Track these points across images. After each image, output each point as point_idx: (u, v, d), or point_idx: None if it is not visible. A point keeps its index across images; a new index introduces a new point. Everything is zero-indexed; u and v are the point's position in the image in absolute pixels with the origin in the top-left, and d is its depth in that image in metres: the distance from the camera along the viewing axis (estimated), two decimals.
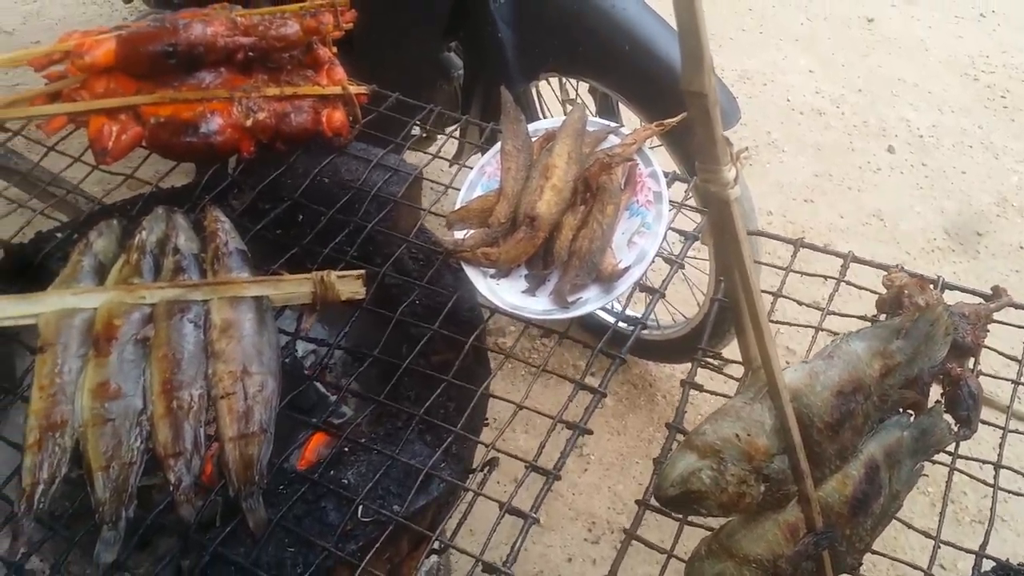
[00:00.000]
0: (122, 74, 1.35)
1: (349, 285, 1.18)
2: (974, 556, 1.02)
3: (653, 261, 1.17)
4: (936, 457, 1.08)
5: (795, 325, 1.31)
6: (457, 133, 1.71)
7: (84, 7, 3.71)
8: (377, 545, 0.98)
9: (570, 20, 1.89)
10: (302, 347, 1.33)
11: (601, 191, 1.21)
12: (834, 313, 1.25)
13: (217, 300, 1.12)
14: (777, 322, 1.27)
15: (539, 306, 1.16)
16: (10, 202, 1.43)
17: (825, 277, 1.33)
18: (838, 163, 3.13)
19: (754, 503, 0.90)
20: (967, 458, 1.14)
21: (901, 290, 1.12)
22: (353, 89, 1.44)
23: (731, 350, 1.20)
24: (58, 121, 1.34)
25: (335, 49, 1.51)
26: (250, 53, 1.39)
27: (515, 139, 1.31)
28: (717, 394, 1.22)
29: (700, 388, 1.18)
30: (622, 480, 2.23)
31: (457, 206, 1.27)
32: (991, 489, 1.10)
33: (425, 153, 1.62)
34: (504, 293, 1.18)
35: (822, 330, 1.23)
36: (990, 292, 1.21)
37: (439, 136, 1.69)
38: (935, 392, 1.08)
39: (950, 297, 1.19)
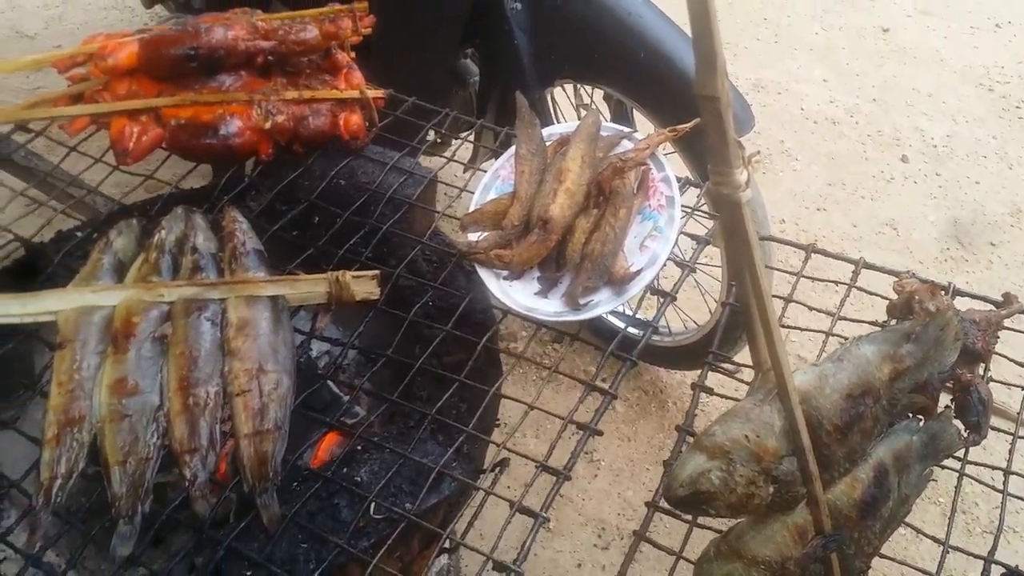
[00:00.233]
0: (144, 76, 1.38)
1: (364, 285, 1.19)
2: (983, 562, 1.03)
3: (665, 265, 1.18)
4: (946, 463, 1.08)
5: (806, 330, 1.31)
6: (472, 137, 1.73)
7: (105, 12, 3.75)
8: (389, 542, 0.99)
9: (586, 27, 1.90)
10: (316, 347, 1.35)
11: (614, 195, 1.22)
12: (845, 319, 1.25)
13: (234, 299, 1.14)
14: (788, 327, 1.28)
15: (551, 308, 1.17)
16: (31, 201, 1.45)
17: (836, 283, 1.33)
18: (851, 172, 3.13)
19: (763, 504, 0.91)
20: (977, 464, 1.14)
21: (912, 295, 1.12)
22: (370, 93, 1.46)
23: (743, 356, 1.21)
24: (81, 122, 1.36)
25: (353, 54, 1.52)
26: (270, 57, 1.41)
27: (529, 143, 1.32)
28: (728, 397, 1.23)
29: (710, 392, 1.19)
30: (632, 486, 2.23)
31: (471, 209, 1.29)
32: (1002, 500, 1.10)
33: (440, 157, 1.63)
34: (517, 295, 1.19)
35: (833, 335, 1.23)
36: (1001, 299, 1.21)
37: (454, 140, 1.71)
38: (945, 399, 1.09)
39: (961, 304, 1.19)
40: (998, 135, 3.30)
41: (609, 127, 1.36)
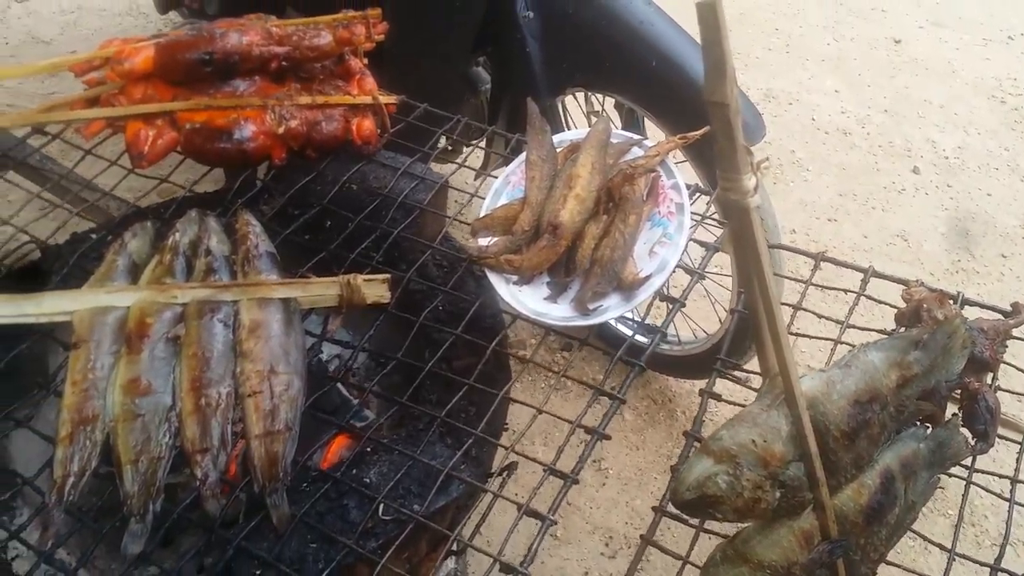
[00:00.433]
0: (159, 81, 1.39)
1: (374, 289, 1.20)
2: (989, 570, 1.03)
3: (674, 272, 1.19)
4: (953, 471, 1.08)
5: (815, 338, 1.32)
6: (483, 144, 1.74)
7: (120, 19, 3.78)
8: (397, 543, 1.00)
9: (598, 36, 1.91)
10: (327, 350, 1.36)
11: (624, 201, 1.23)
12: (853, 327, 1.25)
13: (246, 301, 1.15)
14: (796, 334, 1.28)
15: (560, 313, 1.18)
16: (46, 204, 1.47)
17: (845, 291, 1.33)
18: (863, 183, 3.13)
19: (769, 509, 0.91)
20: (984, 472, 1.14)
21: (920, 304, 1.12)
22: (383, 99, 1.47)
23: (751, 365, 1.21)
24: (97, 125, 1.38)
25: (366, 60, 1.54)
26: (284, 62, 1.43)
27: (540, 149, 1.33)
28: (736, 404, 1.23)
29: (718, 398, 1.19)
30: (640, 495, 2.23)
31: (482, 214, 1.29)
32: (1009, 509, 1.10)
33: (451, 163, 1.65)
34: (526, 299, 1.20)
35: (841, 343, 1.23)
36: (1010, 309, 1.21)
37: (465, 147, 1.72)
38: (952, 408, 1.09)
39: (970, 313, 1.19)
40: (1010, 147, 3.30)
41: (619, 134, 1.36)
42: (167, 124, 1.36)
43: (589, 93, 2.17)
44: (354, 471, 1.09)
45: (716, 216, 1.37)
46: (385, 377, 1.17)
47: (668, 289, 1.23)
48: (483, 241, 1.26)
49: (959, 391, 1.08)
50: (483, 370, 1.15)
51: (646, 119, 2.03)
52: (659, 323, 1.24)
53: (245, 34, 1.40)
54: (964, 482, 1.12)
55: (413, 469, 1.08)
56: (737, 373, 1.25)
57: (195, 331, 1.11)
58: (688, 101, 1.81)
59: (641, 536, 1.03)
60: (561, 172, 1.30)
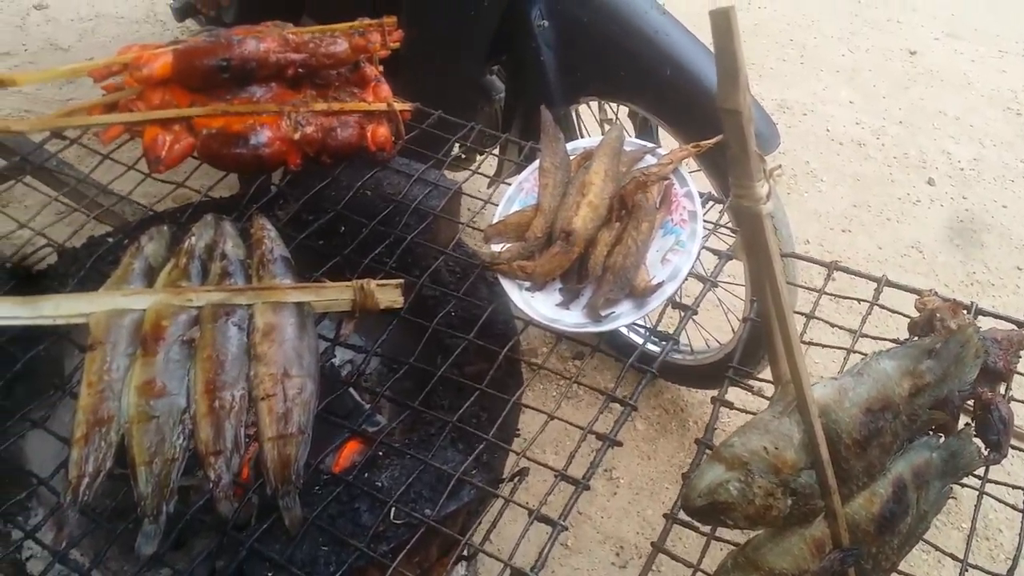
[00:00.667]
0: (177, 86, 1.40)
1: (388, 294, 1.20)
2: None
3: (686, 279, 1.19)
4: (965, 481, 1.08)
5: (827, 347, 1.31)
6: (496, 151, 1.74)
7: (137, 26, 3.81)
8: (408, 547, 1.00)
9: (612, 45, 1.91)
10: (340, 354, 1.36)
11: (636, 209, 1.23)
12: (867, 336, 1.25)
13: (261, 305, 1.16)
14: (809, 343, 1.28)
15: (572, 319, 1.18)
16: (63, 208, 1.48)
17: (858, 300, 1.33)
18: (877, 194, 3.12)
19: (781, 516, 0.91)
20: (996, 482, 1.13)
21: (933, 313, 1.12)
22: (397, 106, 1.48)
23: (764, 375, 1.21)
24: (115, 130, 1.39)
25: (381, 67, 1.55)
26: (300, 69, 1.44)
27: (553, 156, 1.34)
28: (748, 412, 1.23)
29: (730, 406, 1.19)
30: (651, 505, 2.22)
31: (495, 220, 1.30)
32: (1022, 520, 1.09)
33: (465, 170, 1.65)
34: (538, 306, 1.20)
35: (854, 352, 1.23)
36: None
37: (479, 154, 1.73)
38: (965, 419, 1.08)
39: (984, 324, 1.19)
40: None
41: (633, 142, 1.37)
42: (184, 129, 1.38)
43: (603, 101, 2.18)
44: (366, 475, 1.10)
45: (729, 224, 1.38)
46: (397, 382, 1.18)
47: (680, 297, 1.23)
48: (496, 247, 1.27)
49: (972, 401, 1.08)
50: (495, 376, 1.16)
51: (660, 127, 2.03)
52: (671, 331, 1.24)
53: (262, 41, 1.42)
54: (977, 493, 1.11)
55: (424, 474, 1.09)
56: (750, 382, 1.25)
57: (210, 334, 1.12)
58: (702, 110, 1.81)
59: (652, 544, 1.03)
60: (574, 179, 1.30)
